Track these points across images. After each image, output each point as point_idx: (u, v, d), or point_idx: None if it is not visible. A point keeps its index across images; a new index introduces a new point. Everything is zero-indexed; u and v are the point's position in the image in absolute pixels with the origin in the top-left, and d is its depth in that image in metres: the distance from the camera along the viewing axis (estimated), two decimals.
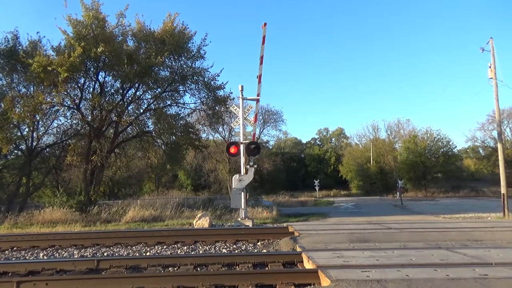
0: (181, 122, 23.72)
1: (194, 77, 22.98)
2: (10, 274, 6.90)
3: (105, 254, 9.12)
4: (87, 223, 16.60)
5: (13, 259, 8.82)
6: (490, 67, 20.43)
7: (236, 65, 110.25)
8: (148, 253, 9.08)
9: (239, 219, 15.66)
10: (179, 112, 24.02)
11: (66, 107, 21.97)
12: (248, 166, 16.02)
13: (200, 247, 9.60)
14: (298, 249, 8.21)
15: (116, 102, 22.09)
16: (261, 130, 45.91)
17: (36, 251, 9.58)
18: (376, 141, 60.43)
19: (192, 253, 9.01)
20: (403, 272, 5.57)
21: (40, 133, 23.59)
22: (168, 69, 22.82)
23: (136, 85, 22.63)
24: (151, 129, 24.05)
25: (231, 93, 23.94)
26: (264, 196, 41.08)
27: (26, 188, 23.94)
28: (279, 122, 47.73)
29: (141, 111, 23.56)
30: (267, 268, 7.02)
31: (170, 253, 8.98)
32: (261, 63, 16.39)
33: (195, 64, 23.05)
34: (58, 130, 24.32)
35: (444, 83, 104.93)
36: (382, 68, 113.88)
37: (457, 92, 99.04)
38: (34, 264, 7.35)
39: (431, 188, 50.40)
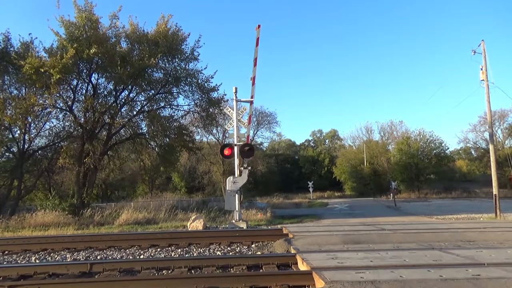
0: (174, 124, 23.66)
1: (188, 79, 22.95)
2: (1, 278, 6.81)
3: (98, 257, 9.05)
4: (80, 226, 16.46)
5: (5, 263, 8.71)
6: (481, 69, 20.63)
7: (230, 67, 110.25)
8: (141, 256, 9.02)
9: (233, 221, 15.64)
10: (172, 114, 24.01)
11: (58, 109, 21.82)
12: (242, 168, 16.02)
13: (194, 250, 9.56)
14: (293, 251, 8.21)
15: (109, 104, 21.98)
16: (255, 132, 46.02)
17: (28, 254, 9.47)
18: (369, 142, 60.72)
19: (186, 255, 8.98)
20: (397, 273, 5.60)
21: (32, 135, 23.31)
22: (162, 70, 22.76)
23: (130, 87, 22.54)
24: (145, 131, 23.97)
25: (225, 95, 23.97)
26: (258, 198, 41.12)
27: (17, 191, 23.66)
28: (273, 124, 47.92)
29: (135, 113, 23.47)
30: (261, 270, 7.01)
31: (164, 256, 8.93)
32: (254, 65, 16.42)
33: (188, 66, 23.06)
34: (51, 132, 24.06)
35: (437, 85, 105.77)
36: (375, 70, 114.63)
37: (449, 94, 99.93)
38: (26, 268, 7.27)
39: (424, 189, 50.74)
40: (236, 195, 15.87)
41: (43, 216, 17.45)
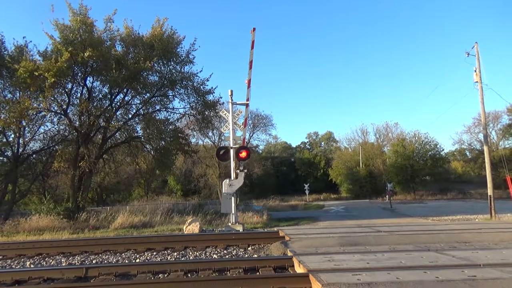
0: (170, 127, 23.60)
1: (183, 82, 22.94)
2: None
3: (93, 261, 8.99)
4: (75, 230, 16.37)
5: None
6: (475, 71, 20.79)
7: (226, 70, 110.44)
8: (137, 260, 8.97)
9: (229, 224, 15.61)
10: (168, 117, 23.96)
11: (53, 113, 21.72)
12: (238, 171, 16.00)
13: (191, 253, 9.52)
14: (289, 254, 8.20)
15: (104, 107, 21.90)
16: (251, 135, 45.97)
17: (22, 259, 9.38)
18: (365, 144, 60.91)
19: (183, 259, 8.94)
20: (393, 274, 5.60)
21: (27, 139, 23.20)
22: (157, 74, 22.73)
23: (125, 90, 22.49)
24: (140, 134, 23.88)
25: (221, 97, 23.97)
26: (254, 200, 41.05)
27: (12, 196, 23.47)
28: (268, 127, 47.91)
29: (130, 116, 23.41)
30: (258, 273, 6.99)
31: (160, 260, 8.89)
32: (250, 67, 16.45)
33: (184, 69, 23.08)
34: (45, 136, 23.96)
35: (431, 87, 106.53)
36: (370, 72, 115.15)
37: (444, 95, 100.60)
38: (20, 273, 7.20)
39: (419, 190, 50.95)
40: (232, 198, 15.85)
41: (37, 220, 17.34)
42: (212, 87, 23.46)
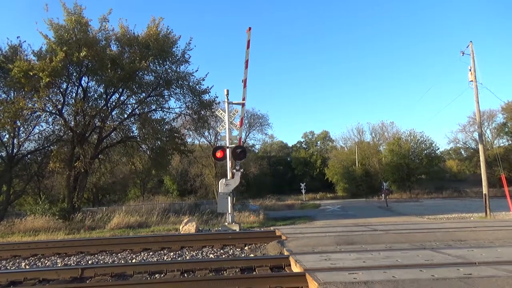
0: (166, 127, 23.55)
1: (179, 82, 22.89)
2: None
3: (89, 262, 8.95)
4: (70, 230, 16.29)
5: None
6: (470, 70, 20.91)
7: (222, 70, 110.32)
8: (134, 260, 8.94)
9: (226, 223, 15.60)
10: (164, 117, 23.90)
11: (48, 113, 21.62)
12: (234, 171, 16.00)
13: (187, 253, 9.50)
14: (286, 253, 8.20)
15: (100, 107, 21.81)
16: (247, 134, 46.01)
17: (17, 260, 9.32)
18: (361, 143, 61.05)
19: (179, 259, 8.91)
20: (389, 273, 5.61)
21: (21, 139, 23.06)
22: (153, 73, 22.67)
23: (120, 90, 22.41)
24: (136, 134, 23.79)
25: (217, 97, 23.95)
26: (250, 200, 41.02)
27: (6, 196, 23.33)
28: (265, 126, 47.97)
29: (126, 116, 23.32)
30: (254, 273, 6.99)
31: (157, 260, 8.86)
32: (246, 67, 16.45)
33: (179, 69, 23.02)
34: (40, 136, 23.84)
35: (427, 86, 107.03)
36: (366, 71, 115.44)
37: (439, 94, 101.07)
38: (15, 274, 7.15)
39: (415, 189, 51.17)
40: (229, 197, 15.85)
41: (32, 221, 17.24)
42: (208, 87, 23.47)
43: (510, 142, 54.25)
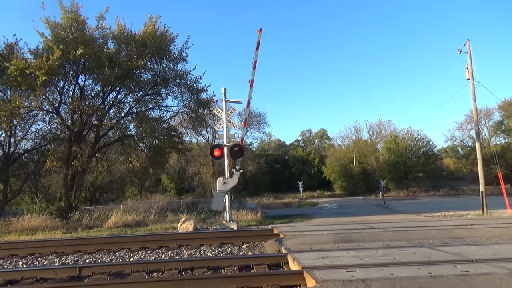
0: (163, 125, 23.49)
1: (177, 80, 22.81)
2: None
3: (87, 261, 8.94)
4: (68, 229, 16.26)
5: None
6: (467, 68, 20.94)
7: (219, 68, 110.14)
8: (131, 259, 8.93)
9: (223, 222, 15.61)
10: (161, 115, 23.84)
11: (44, 111, 21.51)
12: (234, 170, 16.01)
13: (185, 251, 9.51)
14: (284, 251, 8.22)
15: (97, 105, 21.71)
16: (244, 133, 45.88)
17: (15, 259, 9.30)
18: (358, 142, 61.09)
19: (177, 257, 8.92)
20: (387, 271, 5.63)
21: (18, 138, 22.95)
22: (150, 72, 22.58)
23: (117, 88, 22.33)
24: (133, 132, 23.73)
25: (214, 95, 23.88)
26: (248, 198, 41.05)
27: (3, 195, 23.20)
28: (262, 124, 47.89)
29: (123, 114, 23.25)
30: (252, 271, 7.00)
31: (154, 258, 8.86)
32: (254, 67, 16.42)
33: (177, 67, 22.93)
34: (37, 135, 23.72)
35: (424, 84, 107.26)
36: (363, 69, 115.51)
37: (437, 93, 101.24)
38: (12, 273, 7.14)
39: (412, 187, 51.28)
40: (226, 196, 15.86)
41: (30, 220, 17.17)
42: (205, 85, 23.37)
43: (506, 140, 54.46)
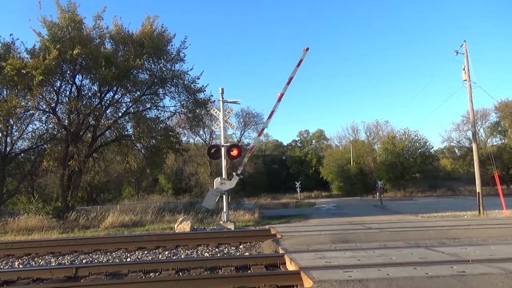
0: (161, 125, 23.43)
1: (174, 80, 22.77)
2: None
3: (83, 261, 8.91)
4: (64, 229, 16.20)
5: None
6: (464, 69, 21.03)
7: (217, 68, 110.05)
8: (128, 259, 8.91)
9: (221, 222, 15.59)
10: (158, 116, 23.77)
11: (41, 111, 21.44)
12: (234, 173, 16.00)
13: (182, 252, 9.49)
14: (281, 251, 8.21)
15: (94, 105, 21.65)
16: (242, 133, 45.95)
17: (11, 259, 9.26)
18: (355, 142, 61.22)
19: (174, 257, 8.90)
20: (384, 271, 5.64)
21: (14, 138, 22.84)
22: (147, 72, 22.53)
23: (115, 88, 22.27)
24: (130, 133, 23.67)
25: (212, 95, 23.82)
26: (245, 198, 41.03)
27: None
28: (260, 125, 47.80)
29: (120, 114, 23.16)
30: (249, 271, 6.99)
31: (151, 259, 8.84)
32: (288, 83, 16.43)
33: (174, 67, 22.89)
34: (33, 135, 23.59)
35: (421, 85, 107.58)
36: (360, 70, 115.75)
37: (434, 94, 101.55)
38: (9, 273, 7.10)
39: (409, 188, 51.41)
40: (224, 196, 15.84)
41: (26, 220, 17.12)
42: (203, 85, 23.34)
43: (503, 140, 54.73)
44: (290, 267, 6.81)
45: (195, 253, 9.35)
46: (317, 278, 5.32)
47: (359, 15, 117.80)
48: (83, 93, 22.30)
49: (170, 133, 23.89)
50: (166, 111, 24.18)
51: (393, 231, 10.94)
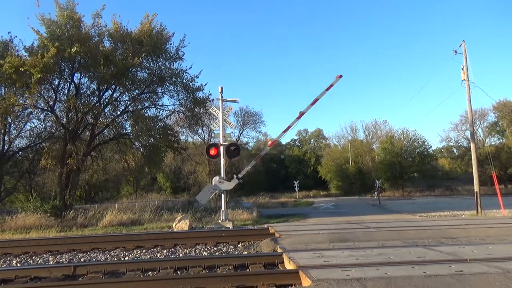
0: (159, 124, 23.40)
1: (173, 79, 22.74)
2: None
3: (82, 259, 8.89)
4: (62, 228, 16.16)
5: None
6: (462, 69, 21.06)
7: (216, 67, 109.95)
8: (126, 258, 8.90)
9: (219, 221, 15.60)
10: (157, 114, 23.71)
11: (39, 109, 21.35)
12: (235, 176, 16.01)
13: (180, 251, 9.49)
14: (279, 250, 8.22)
15: (92, 104, 21.60)
16: (240, 132, 45.95)
17: (8, 258, 9.24)
18: (354, 141, 61.25)
19: (172, 256, 8.90)
20: (382, 270, 5.65)
21: (12, 136, 22.76)
22: (146, 70, 22.50)
23: (113, 86, 22.22)
24: (129, 131, 23.62)
25: (210, 94, 23.86)
26: (244, 197, 41.05)
27: None
28: (258, 124, 47.86)
29: (118, 113, 23.13)
30: (248, 270, 7.00)
31: (150, 257, 8.84)
32: (313, 103, 16.49)
33: (173, 66, 22.83)
34: (31, 133, 23.49)
35: (420, 85, 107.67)
36: (359, 70, 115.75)
37: (432, 93, 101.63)
38: (6, 272, 7.09)
39: (407, 187, 51.48)
40: (222, 195, 15.85)
41: (24, 218, 17.07)
42: (201, 84, 23.32)
43: (501, 140, 54.83)
44: (289, 266, 6.81)
45: (193, 252, 9.35)
46: (315, 277, 5.33)
47: (358, 14, 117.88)
48: (81, 91, 22.25)
49: (168, 131, 23.87)
50: (165, 109, 24.18)
51: (391, 230, 10.96)
